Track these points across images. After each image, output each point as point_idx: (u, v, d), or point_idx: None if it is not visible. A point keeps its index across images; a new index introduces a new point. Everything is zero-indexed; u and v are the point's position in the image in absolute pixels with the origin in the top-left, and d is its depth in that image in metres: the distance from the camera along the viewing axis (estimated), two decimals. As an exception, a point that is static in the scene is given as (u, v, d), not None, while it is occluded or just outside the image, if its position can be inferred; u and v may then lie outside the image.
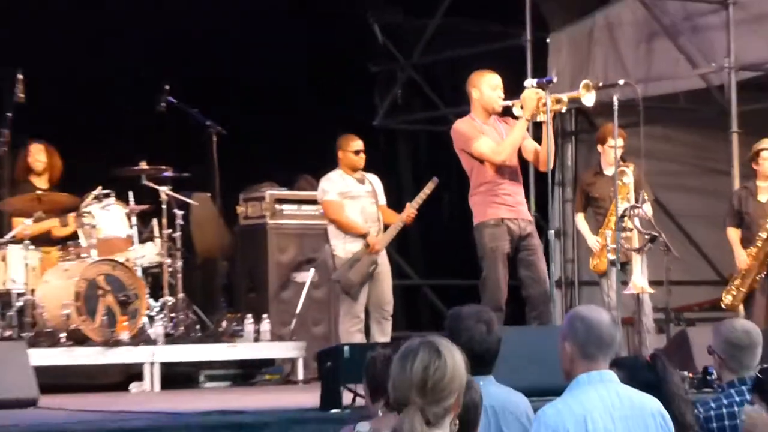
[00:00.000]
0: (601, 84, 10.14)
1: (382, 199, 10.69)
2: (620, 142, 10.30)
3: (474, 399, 4.37)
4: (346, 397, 7.57)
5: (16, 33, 11.92)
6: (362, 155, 10.65)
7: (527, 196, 9.81)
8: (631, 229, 10.06)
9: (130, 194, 10.82)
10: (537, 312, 8.99)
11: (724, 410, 5.64)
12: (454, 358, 3.71)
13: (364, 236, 10.36)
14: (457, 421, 3.78)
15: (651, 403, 4.95)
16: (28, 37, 12.07)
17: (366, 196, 10.56)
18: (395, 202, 10.84)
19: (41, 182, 10.92)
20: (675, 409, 5.26)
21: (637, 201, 10.12)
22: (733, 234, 10.96)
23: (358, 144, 10.64)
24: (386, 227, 10.58)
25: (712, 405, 5.70)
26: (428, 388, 3.63)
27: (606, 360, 4.94)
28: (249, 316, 11.06)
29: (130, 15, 12.80)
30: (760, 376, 5.44)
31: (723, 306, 11.06)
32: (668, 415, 4.96)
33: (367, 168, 10.82)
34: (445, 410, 3.68)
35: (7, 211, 10.75)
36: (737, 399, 5.64)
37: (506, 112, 9.29)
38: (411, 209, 10.51)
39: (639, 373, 5.33)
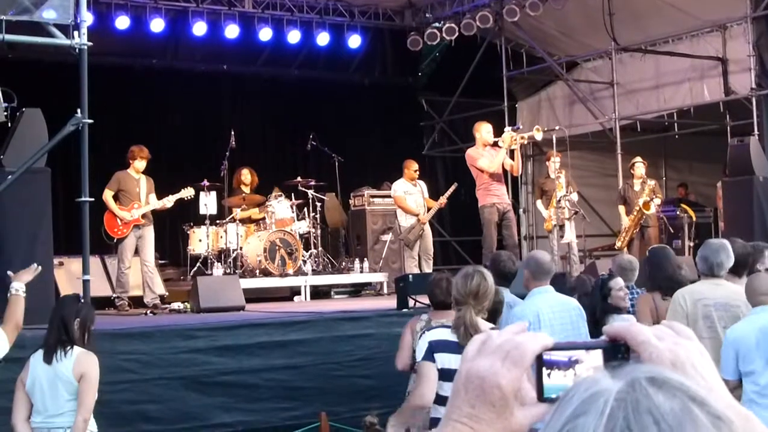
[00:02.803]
0: (545, 128, 10.03)
1: (426, 194, 10.45)
2: (557, 159, 10.20)
3: (500, 299, 4.50)
4: (411, 303, 7.50)
5: (230, 110, 11.93)
6: (416, 171, 10.45)
7: (508, 191, 9.74)
8: (563, 207, 9.93)
9: (292, 194, 10.71)
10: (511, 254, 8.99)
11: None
12: (491, 279, 3.79)
13: (416, 215, 10.14)
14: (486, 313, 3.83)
15: (571, 302, 4.90)
16: (236, 113, 12.04)
17: (417, 193, 10.35)
18: (434, 195, 10.62)
19: (246, 189, 10.82)
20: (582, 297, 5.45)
21: (567, 191, 10.04)
22: (621, 209, 10.76)
23: (413, 164, 10.48)
24: (429, 209, 10.34)
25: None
26: (479, 296, 3.66)
27: (547, 280, 4.89)
28: (357, 259, 10.95)
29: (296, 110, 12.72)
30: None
31: (616, 248, 10.87)
32: (581, 307, 4.88)
33: (419, 177, 10.60)
34: (483, 308, 3.71)
35: (228, 206, 10.65)
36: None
37: (494, 144, 9.21)
38: (443, 199, 10.28)
39: (557, 280, 5.53)
